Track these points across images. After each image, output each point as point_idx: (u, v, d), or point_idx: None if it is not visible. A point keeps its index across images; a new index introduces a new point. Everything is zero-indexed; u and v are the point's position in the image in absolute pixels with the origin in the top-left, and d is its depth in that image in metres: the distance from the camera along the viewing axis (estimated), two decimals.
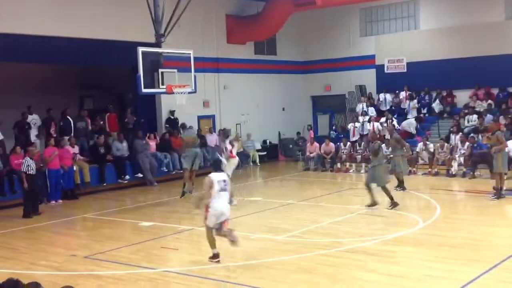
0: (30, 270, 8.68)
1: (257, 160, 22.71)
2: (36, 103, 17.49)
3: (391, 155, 15.25)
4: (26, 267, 8.94)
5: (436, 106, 21.44)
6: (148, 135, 19.13)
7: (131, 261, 9.10)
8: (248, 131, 22.92)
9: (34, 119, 16.90)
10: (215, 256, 8.63)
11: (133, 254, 9.60)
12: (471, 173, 16.83)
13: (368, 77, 23.68)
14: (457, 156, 17.48)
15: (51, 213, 14.08)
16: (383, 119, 20.82)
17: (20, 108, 16.78)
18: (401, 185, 14.86)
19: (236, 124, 22.88)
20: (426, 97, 21.86)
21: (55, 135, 16.72)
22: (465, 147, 17.42)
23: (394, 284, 7.35)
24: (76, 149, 16.78)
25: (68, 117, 17.51)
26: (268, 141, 24.15)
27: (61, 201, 15.40)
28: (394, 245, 9.36)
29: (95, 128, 18.74)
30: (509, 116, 18.70)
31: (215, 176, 8.57)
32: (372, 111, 21.85)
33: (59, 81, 19.79)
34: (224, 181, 8.61)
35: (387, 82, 22.77)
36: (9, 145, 15.99)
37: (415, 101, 21.67)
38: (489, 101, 20.29)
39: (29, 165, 13.57)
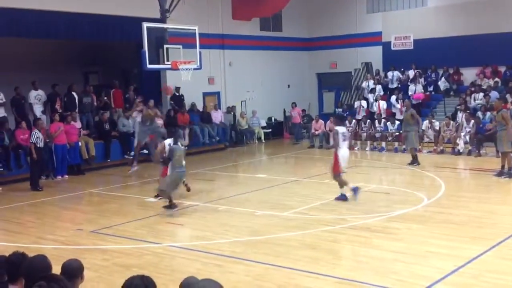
0: (37, 244, 8.79)
1: (262, 137, 22.72)
2: (41, 79, 17.44)
3: (405, 131, 15.57)
4: (33, 241, 9.06)
5: (442, 84, 21.30)
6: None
7: (136, 236, 9.19)
8: (253, 108, 22.88)
9: (39, 94, 16.90)
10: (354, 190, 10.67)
11: (139, 229, 9.69)
12: (477, 151, 16.79)
13: (374, 54, 23.49)
14: (462, 134, 17.42)
15: (57, 188, 14.20)
16: (393, 97, 20.66)
17: (25, 84, 16.76)
18: (414, 161, 15.19)
19: (241, 101, 22.84)
20: (433, 75, 21.69)
21: (60, 111, 16.75)
22: (471, 125, 17.35)
23: (397, 260, 7.40)
24: (78, 124, 16.83)
25: (73, 93, 17.51)
26: (273, 118, 24.11)
27: (67, 176, 15.50)
28: (398, 222, 9.40)
29: (100, 104, 18.74)
30: None
31: (340, 129, 10.88)
32: (379, 89, 21.70)
33: (64, 57, 19.74)
34: (345, 133, 11.09)
35: (393, 59, 22.57)
36: (12, 122, 16.14)
37: (422, 79, 21.49)
38: (496, 79, 20.13)
39: (38, 137, 13.74)
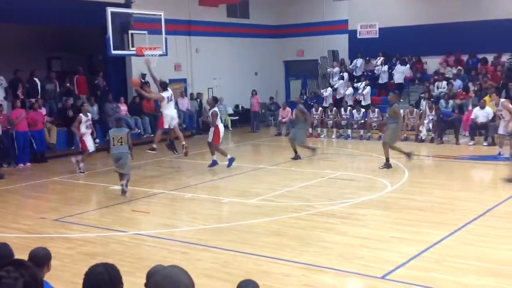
0: None
1: (229, 125, 22.66)
2: (3, 65, 16.97)
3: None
4: None
5: (406, 70, 21.50)
6: (120, 99, 18.80)
7: (101, 224, 9.09)
8: (220, 95, 22.76)
9: (0, 79, 16.45)
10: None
11: (104, 217, 9.59)
12: (439, 138, 17.14)
13: (341, 42, 23.66)
14: (425, 121, 17.74)
15: (19, 176, 13.90)
16: (360, 84, 20.84)
17: None
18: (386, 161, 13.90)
19: (208, 88, 22.71)
20: (397, 63, 21.97)
21: (22, 97, 16.35)
22: (433, 113, 17.67)
23: (362, 245, 7.52)
24: (43, 111, 16.47)
25: (35, 79, 17.10)
26: (240, 106, 24.08)
27: (29, 164, 15.18)
28: (363, 209, 9.54)
29: (63, 90, 18.37)
30: (478, 82, 18.98)
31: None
32: (346, 76, 21.84)
33: (26, 42, 19.21)
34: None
35: (359, 47, 22.78)
36: None
37: (386, 67, 21.73)
38: (459, 67, 20.53)
39: None
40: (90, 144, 13.83)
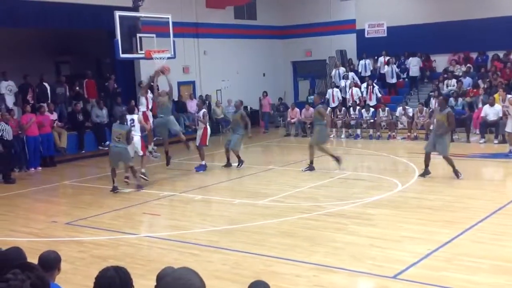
0: (10, 236, 8.65)
1: None
2: (11, 69, 17.11)
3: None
4: (6, 234, 8.92)
5: (414, 67, 21.37)
6: (131, 102, 18.74)
7: (112, 227, 9.13)
8: (229, 97, 22.81)
9: (9, 85, 16.58)
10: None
11: (115, 220, 9.63)
12: (450, 136, 17.02)
13: (348, 42, 23.59)
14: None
15: (30, 180, 14.00)
16: (364, 85, 20.83)
17: None
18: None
19: (217, 90, 22.75)
20: (406, 62, 21.87)
21: (32, 102, 16.47)
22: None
23: (372, 245, 7.50)
24: (54, 116, 16.58)
25: (45, 83, 17.21)
26: (248, 107, 24.06)
27: (40, 168, 15.28)
28: (373, 208, 9.51)
29: (73, 94, 18.47)
30: (488, 80, 18.87)
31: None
32: (353, 76, 21.76)
33: (35, 47, 19.35)
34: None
35: (367, 46, 22.70)
36: None
37: (395, 66, 21.60)
38: (468, 65, 20.41)
39: (4, 129, 13.50)
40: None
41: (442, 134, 11.59)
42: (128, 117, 12.18)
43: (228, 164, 14.11)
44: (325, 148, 13.35)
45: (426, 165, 11.78)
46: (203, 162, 13.75)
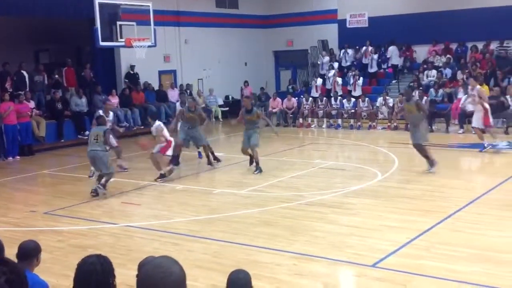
0: None
1: (220, 116, 22.61)
2: None
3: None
4: None
5: (394, 57, 21.49)
6: (112, 91, 18.57)
7: (92, 217, 9.07)
8: (210, 86, 22.72)
9: None
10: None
11: (94, 209, 9.56)
12: (429, 127, 17.17)
13: (330, 32, 23.61)
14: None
15: (9, 169, 13.82)
16: (349, 75, 20.86)
17: None
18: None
19: (198, 79, 22.63)
20: (387, 52, 21.96)
21: (10, 90, 16.22)
22: (424, 101, 17.70)
23: (352, 234, 7.56)
24: (32, 104, 16.35)
25: (23, 71, 16.95)
26: (230, 97, 24.02)
27: (18, 157, 15.08)
28: (353, 198, 9.58)
29: (52, 82, 18.23)
30: (467, 70, 19.04)
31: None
32: (336, 67, 21.80)
33: (13, 35, 19.01)
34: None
35: (349, 37, 22.77)
36: None
37: (375, 55, 21.69)
38: (448, 56, 20.58)
39: None
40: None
41: (417, 124, 11.32)
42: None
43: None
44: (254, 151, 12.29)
45: (425, 156, 11.42)
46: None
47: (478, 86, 14.15)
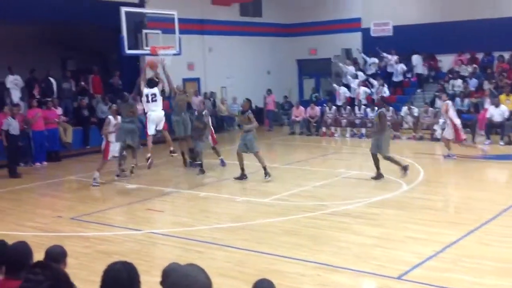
0: (16, 231, 8.67)
1: None
2: (18, 64, 17.15)
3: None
4: (12, 228, 8.94)
5: (417, 66, 21.32)
6: (137, 98, 18.74)
7: (117, 223, 9.16)
8: (234, 94, 22.81)
9: (16, 79, 16.61)
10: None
11: (119, 215, 9.66)
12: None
13: (354, 41, 23.55)
14: (441, 120, 17.56)
15: (36, 174, 14.04)
16: (375, 83, 20.74)
17: (2, 69, 16.44)
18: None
19: (221, 87, 22.75)
20: (413, 61, 21.77)
21: (38, 97, 16.51)
22: (404, 113, 17.52)
23: (376, 245, 7.48)
24: (59, 110, 16.61)
25: (51, 78, 17.25)
26: (253, 105, 24.03)
27: (45, 163, 15.32)
28: (378, 208, 9.50)
29: (78, 89, 18.52)
30: (494, 81, 18.81)
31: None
32: (361, 76, 21.70)
33: (41, 42, 19.38)
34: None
35: (373, 45, 22.65)
36: None
37: (403, 64, 21.52)
38: (474, 66, 20.35)
39: (10, 124, 13.52)
40: (113, 150, 12.54)
41: (375, 134, 11.78)
42: (148, 91, 11.62)
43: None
44: (241, 158, 12.38)
45: (377, 167, 11.64)
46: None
47: (446, 101, 14.31)
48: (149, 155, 11.43)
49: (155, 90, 11.61)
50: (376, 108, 18.88)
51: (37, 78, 16.99)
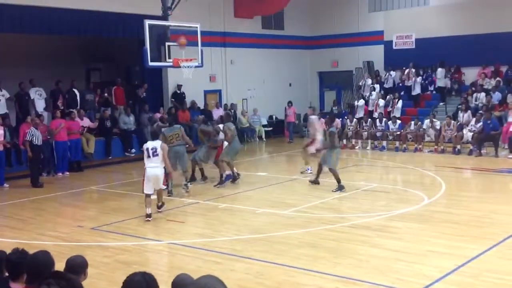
0: (37, 240, 8.79)
1: (263, 135, 22.72)
2: (44, 75, 17.47)
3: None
4: (33, 237, 9.06)
5: (441, 80, 21.14)
6: (160, 109, 18.93)
7: (137, 233, 9.20)
8: (255, 106, 22.89)
9: (39, 90, 16.89)
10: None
11: (140, 226, 9.71)
12: (478, 150, 16.78)
13: (376, 53, 23.48)
14: (465, 132, 17.37)
15: (58, 184, 14.22)
16: (388, 97, 20.68)
17: (25, 80, 16.76)
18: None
19: (243, 99, 22.85)
20: (433, 74, 21.61)
21: (62, 108, 16.76)
22: (478, 125, 17.29)
23: (397, 259, 7.41)
24: (86, 122, 16.83)
25: (75, 89, 17.51)
26: (274, 117, 24.11)
27: (67, 173, 15.51)
28: (399, 221, 9.41)
29: (102, 100, 18.77)
30: None
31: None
32: (378, 89, 21.61)
33: (66, 54, 19.74)
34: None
35: (395, 58, 22.55)
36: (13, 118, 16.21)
37: (418, 78, 21.37)
38: (498, 79, 20.11)
39: (33, 134, 13.75)
40: None
41: (324, 149, 12.59)
42: (149, 144, 10.20)
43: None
44: (231, 163, 13.14)
45: (317, 175, 12.68)
46: (228, 172, 13.18)
47: (313, 116, 14.71)
48: (160, 203, 10.64)
49: (157, 143, 10.18)
50: (399, 121, 18.94)
51: (61, 89, 17.26)
